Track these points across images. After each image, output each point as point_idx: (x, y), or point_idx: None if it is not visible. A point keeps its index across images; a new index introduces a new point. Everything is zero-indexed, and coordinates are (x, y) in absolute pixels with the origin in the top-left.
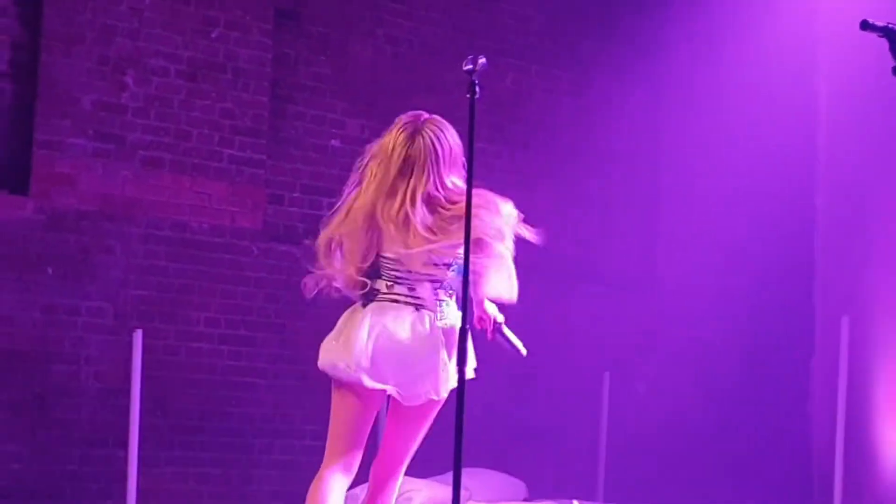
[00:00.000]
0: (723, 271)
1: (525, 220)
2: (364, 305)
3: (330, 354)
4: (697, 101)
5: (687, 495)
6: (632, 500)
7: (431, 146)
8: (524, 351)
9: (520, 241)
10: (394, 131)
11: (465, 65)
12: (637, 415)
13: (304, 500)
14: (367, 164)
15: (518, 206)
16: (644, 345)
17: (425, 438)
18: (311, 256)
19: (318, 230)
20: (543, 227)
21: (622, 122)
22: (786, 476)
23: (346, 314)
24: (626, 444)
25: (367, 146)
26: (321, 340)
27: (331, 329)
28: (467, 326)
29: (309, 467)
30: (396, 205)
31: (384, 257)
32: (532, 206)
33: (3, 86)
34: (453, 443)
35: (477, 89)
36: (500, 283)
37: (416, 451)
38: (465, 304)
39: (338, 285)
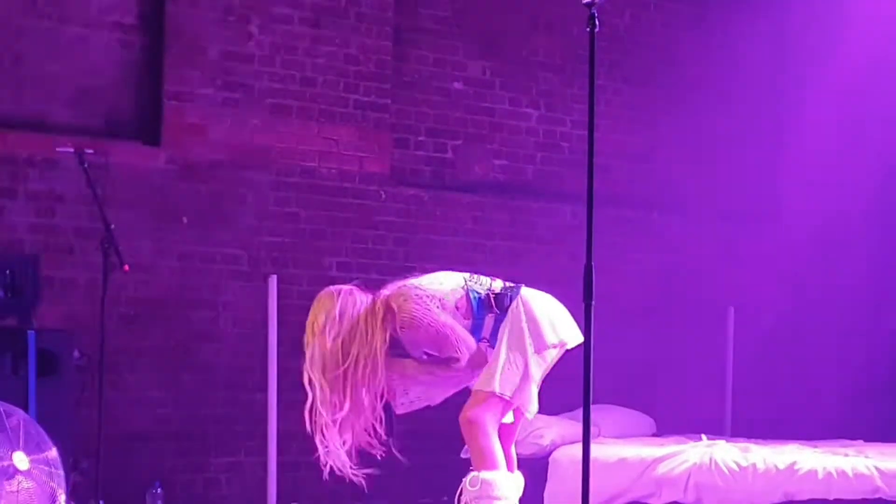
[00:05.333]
0: (846, 201)
1: (645, 157)
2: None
3: None
4: (822, 31)
5: (815, 431)
6: (759, 435)
7: None
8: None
9: (636, 174)
10: None
11: None
12: (763, 349)
13: (437, 439)
14: None
15: (638, 143)
16: (768, 278)
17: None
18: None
19: (444, 173)
20: (664, 162)
21: (743, 54)
22: None
23: None
24: (753, 379)
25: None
26: None
27: (459, 270)
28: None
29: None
30: None
31: None
32: (652, 142)
33: (132, 38)
34: (582, 381)
35: (597, 23)
36: None
37: (546, 391)
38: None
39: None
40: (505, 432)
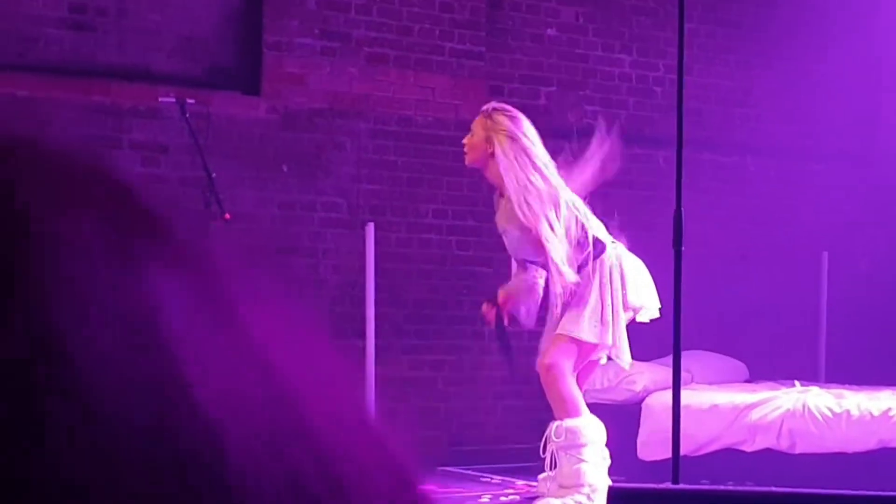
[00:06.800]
0: None
1: (739, 101)
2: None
3: None
4: None
5: None
6: (853, 381)
7: None
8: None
9: (730, 118)
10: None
11: None
12: (857, 294)
13: (534, 384)
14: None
15: (732, 87)
16: (862, 223)
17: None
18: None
19: (537, 120)
20: (758, 106)
21: None
22: None
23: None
24: (848, 324)
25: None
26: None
27: None
28: None
29: (537, 352)
30: None
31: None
32: (746, 86)
33: None
34: (672, 327)
35: None
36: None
37: (639, 337)
38: None
39: None
40: (580, 378)
